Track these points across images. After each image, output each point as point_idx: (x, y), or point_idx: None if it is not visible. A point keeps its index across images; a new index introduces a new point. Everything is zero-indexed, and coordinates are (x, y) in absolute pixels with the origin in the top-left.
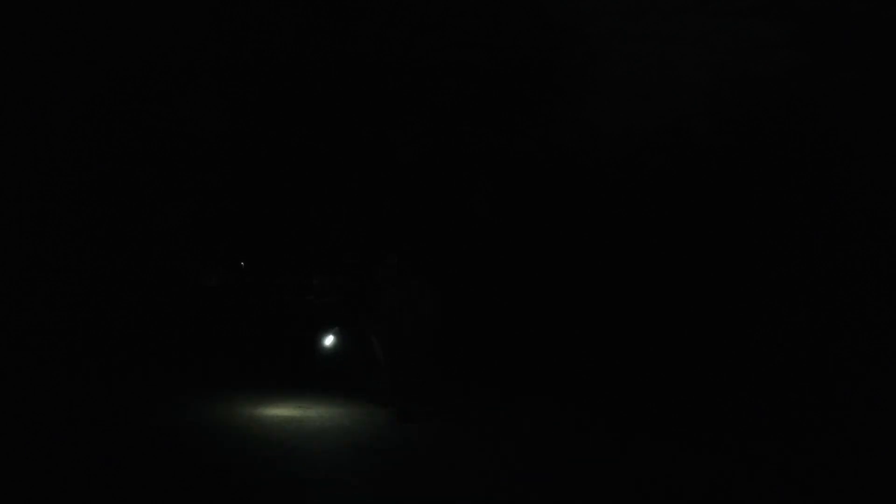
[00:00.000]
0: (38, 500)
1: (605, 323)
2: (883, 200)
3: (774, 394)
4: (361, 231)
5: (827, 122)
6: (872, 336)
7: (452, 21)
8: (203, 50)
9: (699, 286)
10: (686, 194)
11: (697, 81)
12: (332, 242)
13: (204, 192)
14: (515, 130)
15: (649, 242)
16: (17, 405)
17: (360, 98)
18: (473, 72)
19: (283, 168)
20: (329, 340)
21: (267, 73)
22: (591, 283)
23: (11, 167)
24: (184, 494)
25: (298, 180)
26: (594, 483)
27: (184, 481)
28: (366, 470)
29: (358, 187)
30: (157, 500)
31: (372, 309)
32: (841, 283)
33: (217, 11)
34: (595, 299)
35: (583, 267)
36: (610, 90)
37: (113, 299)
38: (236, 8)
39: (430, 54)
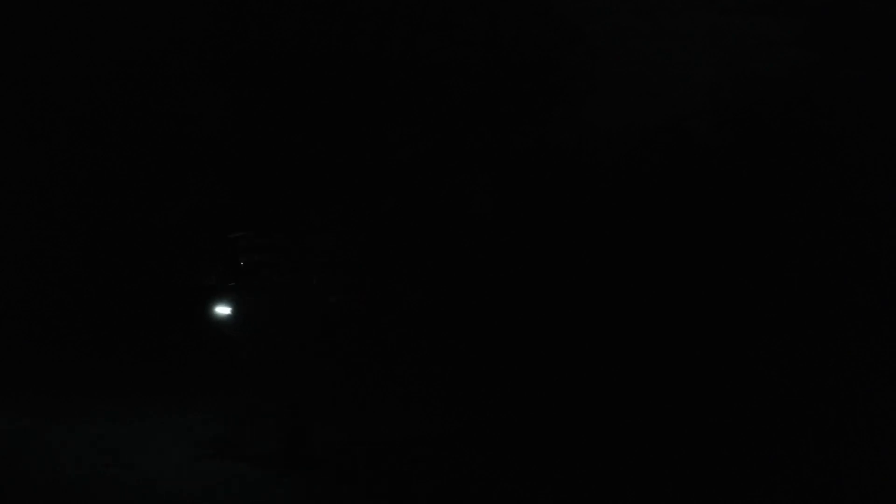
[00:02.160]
0: None
1: (605, 330)
2: (893, 201)
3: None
4: (361, 231)
5: (836, 120)
6: (882, 341)
7: (455, 19)
8: (202, 49)
9: (702, 287)
10: (696, 194)
11: (705, 79)
12: (332, 242)
13: (202, 191)
14: (517, 129)
15: (654, 243)
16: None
17: (359, 97)
18: (475, 70)
19: (283, 168)
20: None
21: (266, 72)
22: (593, 285)
23: (10, 165)
24: None
25: (297, 180)
26: None
27: None
28: None
29: (358, 187)
30: None
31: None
32: (847, 287)
33: (216, 10)
34: (597, 302)
35: (586, 268)
36: (617, 88)
37: (110, 297)
38: (236, 7)
39: (431, 53)
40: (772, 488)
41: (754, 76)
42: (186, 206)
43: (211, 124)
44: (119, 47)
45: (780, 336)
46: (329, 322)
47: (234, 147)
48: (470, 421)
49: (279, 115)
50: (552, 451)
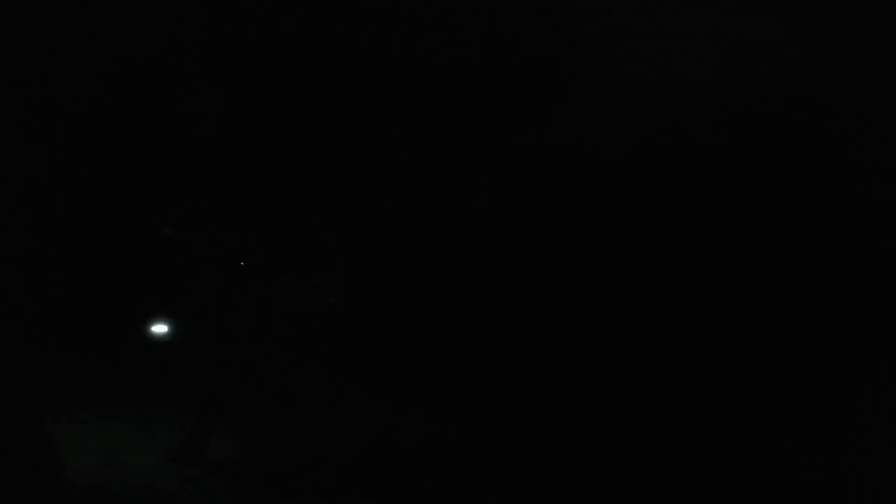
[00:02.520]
0: None
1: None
2: (893, 201)
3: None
4: (361, 231)
5: (836, 120)
6: (882, 341)
7: (455, 19)
8: (202, 49)
9: (702, 286)
10: (696, 193)
11: (705, 79)
12: (333, 242)
13: (202, 191)
14: (517, 129)
15: (655, 242)
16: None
17: (359, 97)
18: (475, 70)
19: (283, 168)
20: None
21: (266, 72)
22: (594, 285)
23: (10, 165)
24: None
25: (297, 180)
26: None
27: None
28: None
29: (358, 187)
30: None
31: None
32: (847, 286)
33: (216, 10)
34: (597, 302)
35: (586, 267)
36: (617, 88)
37: (109, 297)
38: (236, 7)
39: (431, 53)
40: (772, 488)
41: (754, 76)
42: (186, 206)
43: (211, 124)
44: (119, 47)
45: (780, 336)
46: (330, 322)
47: (234, 147)
48: (470, 421)
49: (279, 115)
50: (552, 452)
